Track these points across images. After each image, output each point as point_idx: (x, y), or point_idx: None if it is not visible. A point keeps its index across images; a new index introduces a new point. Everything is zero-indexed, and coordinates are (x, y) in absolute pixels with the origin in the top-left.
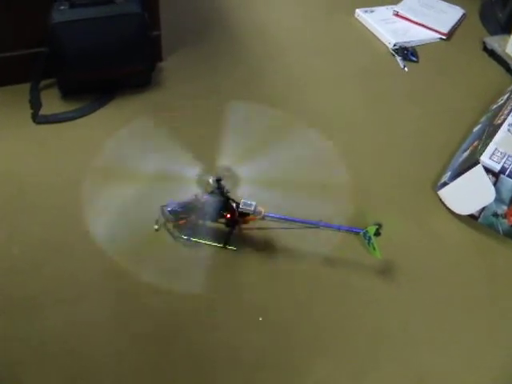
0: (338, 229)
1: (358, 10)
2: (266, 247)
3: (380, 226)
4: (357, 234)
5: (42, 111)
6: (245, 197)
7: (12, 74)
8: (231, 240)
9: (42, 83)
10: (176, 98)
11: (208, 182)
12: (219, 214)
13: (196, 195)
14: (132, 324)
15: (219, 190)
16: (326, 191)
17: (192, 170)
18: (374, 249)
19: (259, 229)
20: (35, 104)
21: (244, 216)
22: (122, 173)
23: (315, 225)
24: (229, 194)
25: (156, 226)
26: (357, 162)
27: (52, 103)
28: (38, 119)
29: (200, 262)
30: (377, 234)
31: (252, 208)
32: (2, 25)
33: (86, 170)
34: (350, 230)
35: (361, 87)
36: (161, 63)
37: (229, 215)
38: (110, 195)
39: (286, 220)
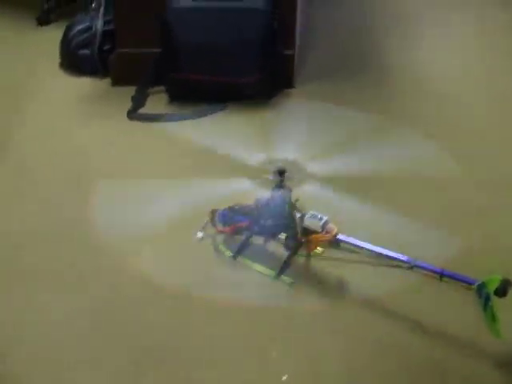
0: (440, 274)
1: None
2: (333, 286)
3: (509, 282)
4: (468, 287)
5: (143, 111)
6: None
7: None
8: (288, 268)
9: (157, 89)
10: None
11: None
12: (279, 227)
13: (258, 199)
14: None
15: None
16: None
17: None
18: (494, 319)
19: (326, 259)
20: (136, 102)
21: (308, 235)
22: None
23: (407, 263)
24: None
25: (200, 234)
26: None
27: (156, 106)
28: (130, 115)
29: (240, 291)
30: (501, 293)
31: (320, 224)
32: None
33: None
34: (457, 279)
35: None
36: (290, 90)
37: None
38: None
39: (368, 250)
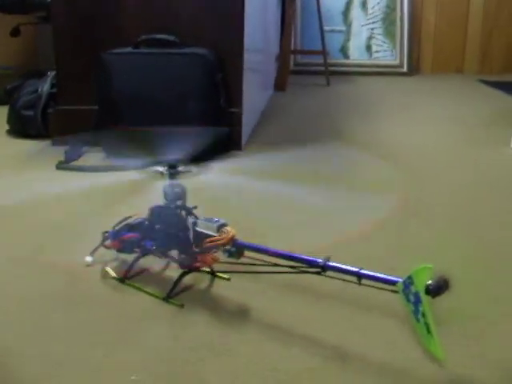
0: (357, 275)
1: None
2: (231, 309)
3: (445, 280)
4: (392, 287)
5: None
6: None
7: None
8: (180, 289)
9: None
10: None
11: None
12: (171, 240)
13: (150, 208)
14: None
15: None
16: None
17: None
18: (429, 331)
19: (228, 279)
20: (69, 155)
21: (202, 241)
22: None
23: (318, 266)
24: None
25: (89, 259)
26: None
27: (91, 161)
28: (59, 166)
29: (121, 319)
30: (434, 290)
31: (215, 226)
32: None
33: None
34: (379, 280)
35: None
36: (240, 152)
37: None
38: None
39: (272, 254)
